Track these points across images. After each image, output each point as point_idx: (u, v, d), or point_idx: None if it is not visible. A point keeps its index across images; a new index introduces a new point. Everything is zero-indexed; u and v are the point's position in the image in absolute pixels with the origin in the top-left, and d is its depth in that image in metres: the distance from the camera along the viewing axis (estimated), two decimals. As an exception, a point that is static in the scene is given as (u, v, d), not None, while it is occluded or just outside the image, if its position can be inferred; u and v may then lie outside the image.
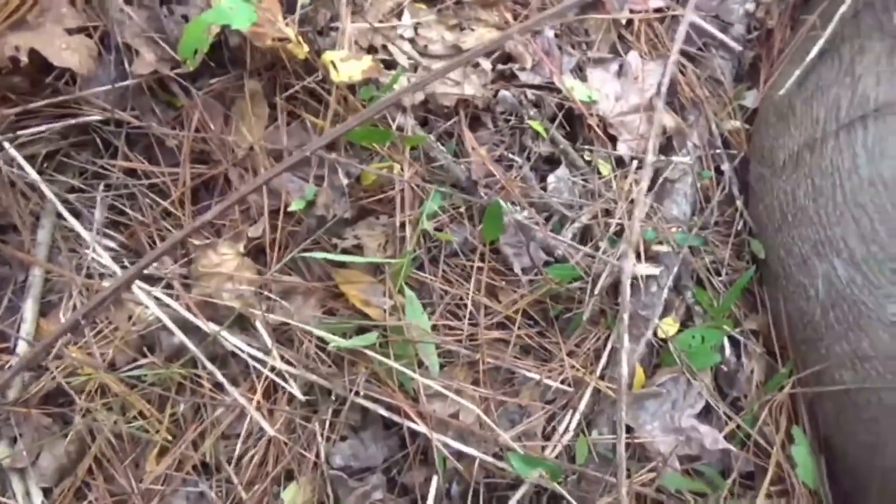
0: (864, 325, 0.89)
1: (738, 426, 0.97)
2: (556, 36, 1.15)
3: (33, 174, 0.91)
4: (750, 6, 1.22)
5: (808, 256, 0.95)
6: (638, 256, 1.01)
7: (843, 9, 0.98)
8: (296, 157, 0.75)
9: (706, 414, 1.00)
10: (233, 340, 0.90)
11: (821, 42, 1.00)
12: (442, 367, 0.97)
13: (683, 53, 1.16)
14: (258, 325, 0.90)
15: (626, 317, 0.82)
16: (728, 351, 1.02)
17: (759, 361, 1.02)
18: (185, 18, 0.93)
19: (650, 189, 1.07)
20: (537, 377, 0.98)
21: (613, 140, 1.10)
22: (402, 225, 0.99)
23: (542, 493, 0.96)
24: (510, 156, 1.06)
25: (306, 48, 0.92)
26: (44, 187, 0.92)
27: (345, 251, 0.95)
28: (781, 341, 1.02)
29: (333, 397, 0.92)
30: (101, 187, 0.96)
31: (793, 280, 0.97)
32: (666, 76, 1.05)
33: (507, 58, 1.12)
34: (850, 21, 0.99)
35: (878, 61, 0.94)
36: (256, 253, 0.98)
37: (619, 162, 1.09)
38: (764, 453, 0.97)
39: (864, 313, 0.89)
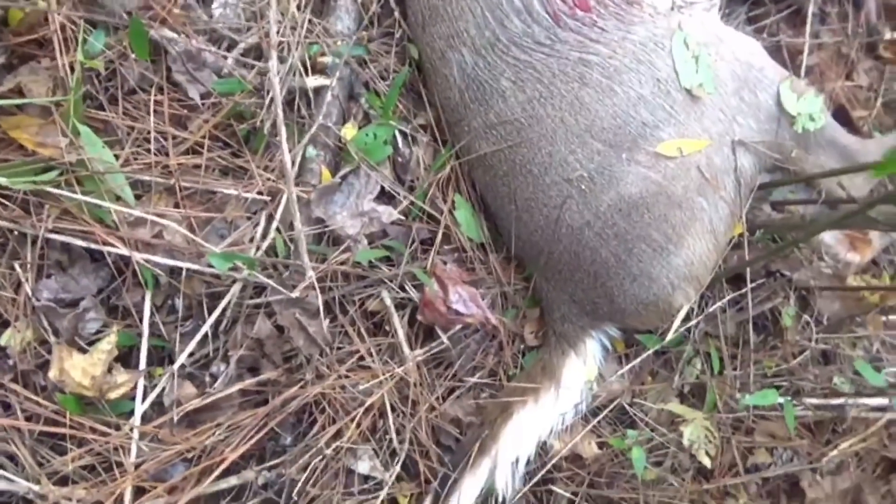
0: (488, 100, 1.09)
1: (412, 203, 1.16)
2: None
3: None
4: None
5: (444, 50, 1.12)
6: (306, 70, 1.12)
7: None
8: None
9: (390, 199, 1.18)
10: None
11: None
12: (139, 197, 1.04)
13: None
14: (-77, 181, 0.89)
15: (279, 112, 0.92)
16: (401, 144, 1.19)
17: (426, 149, 1.21)
18: None
19: (313, 7, 1.16)
20: (236, 192, 1.08)
21: (272, -37, 1.15)
22: (68, 67, 1.00)
23: (260, 290, 1.09)
24: (169, -14, 1.08)
25: None
26: None
27: (4, 98, 0.94)
28: (441, 129, 1.21)
29: (29, 240, 0.96)
30: None
31: (438, 73, 1.14)
32: None
33: None
34: None
35: None
36: None
37: (282, -16, 1.16)
38: (435, 221, 1.18)
39: (487, 90, 1.09)
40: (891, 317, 1.25)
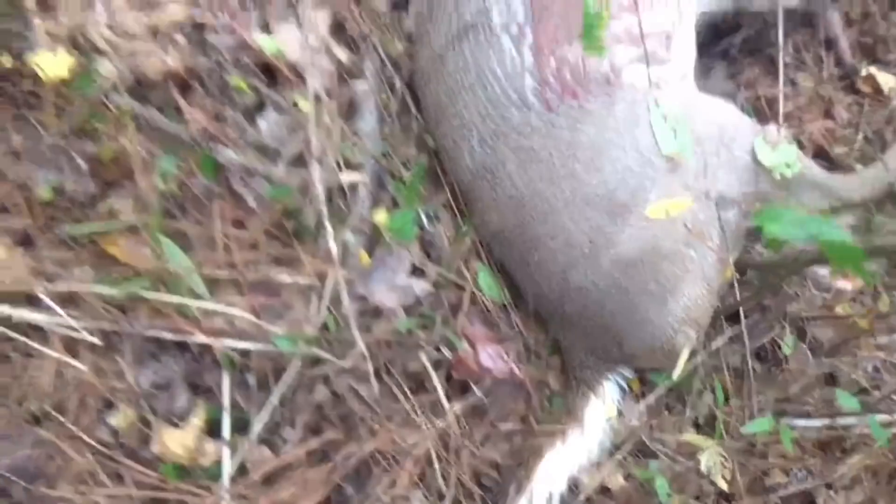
0: (497, 181, 1.26)
1: (440, 274, 1.33)
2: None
3: None
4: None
5: (457, 140, 1.30)
6: (340, 167, 1.31)
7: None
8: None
9: (421, 273, 1.35)
10: (26, 315, 1.08)
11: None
12: (212, 291, 1.24)
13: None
14: (42, 296, 1.10)
15: (323, 209, 1.11)
16: (426, 223, 1.37)
17: (448, 225, 1.38)
18: None
19: (342, 113, 1.36)
20: (290, 280, 1.27)
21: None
22: (149, 189, 1.21)
23: (316, 361, 1.27)
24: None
25: (9, 56, 1.08)
26: None
27: (103, 219, 1.15)
28: (460, 207, 1.39)
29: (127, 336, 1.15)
30: None
31: (452, 160, 1.33)
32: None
33: (202, 27, 1.33)
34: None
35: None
36: (26, 242, 1.15)
37: (316, 96, 1.36)
38: (461, 288, 1.35)
39: (495, 173, 1.26)
40: (881, 339, 1.37)
